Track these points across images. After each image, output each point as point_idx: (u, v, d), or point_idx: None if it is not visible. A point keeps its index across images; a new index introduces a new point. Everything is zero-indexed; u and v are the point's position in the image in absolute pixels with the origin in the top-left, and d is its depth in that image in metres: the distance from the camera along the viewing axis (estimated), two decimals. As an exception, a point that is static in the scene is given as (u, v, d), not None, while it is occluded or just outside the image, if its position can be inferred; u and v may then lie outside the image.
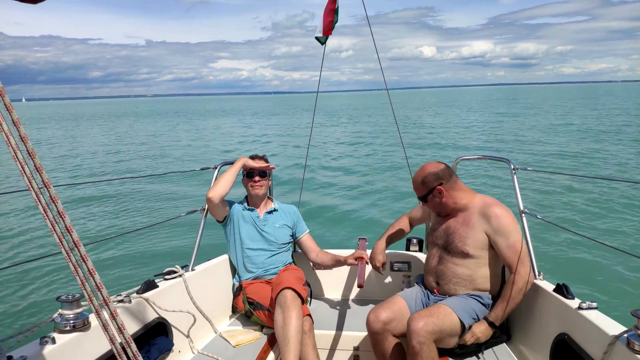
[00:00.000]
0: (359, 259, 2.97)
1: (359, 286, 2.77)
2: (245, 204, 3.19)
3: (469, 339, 2.38)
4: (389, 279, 3.38)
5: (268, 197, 3.29)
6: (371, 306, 3.24)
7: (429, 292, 2.66)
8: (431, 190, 2.55)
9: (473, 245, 2.46)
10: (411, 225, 3.16)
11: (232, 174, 2.97)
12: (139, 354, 1.17)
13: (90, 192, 13.01)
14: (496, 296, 2.57)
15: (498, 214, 2.43)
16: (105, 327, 1.14)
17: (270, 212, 3.20)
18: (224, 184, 2.93)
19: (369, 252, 3.06)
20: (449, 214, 2.61)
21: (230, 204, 3.14)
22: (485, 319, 2.44)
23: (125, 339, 1.15)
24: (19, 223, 10.07)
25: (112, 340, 1.14)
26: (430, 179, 2.55)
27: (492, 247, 2.47)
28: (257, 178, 3.09)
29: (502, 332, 2.64)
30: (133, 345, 1.16)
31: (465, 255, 2.47)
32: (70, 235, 1.08)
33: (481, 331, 2.41)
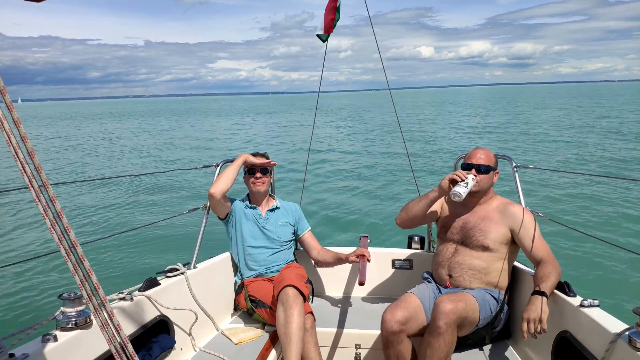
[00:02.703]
0: (361, 256, 2.96)
1: (360, 284, 2.77)
2: (247, 202, 3.19)
3: (534, 316, 2.09)
4: (390, 277, 3.37)
5: (270, 194, 3.29)
6: (373, 303, 3.24)
7: (439, 287, 2.67)
8: (495, 168, 2.68)
9: (493, 239, 2.53)
10: (428, 216, 2.83)
11: (233, 169, 2.98)
12: (135, 354, 1.17)
13: (91, 190, 13.02)
14: (505, 292, 2.59)
15: (520, 211, 2.58)
16: (104, 327, 1.14)
17: (272, 210, 3.20)
18: (225, 180, 2.94)
19: (370, 249, 3.07)
20: (477, 198, 2.66)
21: (232, 201, 3.14)
22: (537, 292, 2.19)
23: (121, 340, 1.15)
24: (14, 221, 10.09)
25: (111, 340, 1.14)
26: (496, 160, 2.73)
27: (511, 243, 2.56)
28: (258, 175, 3.09)
29: (504, 330, 2.64)
30: (129, 346, 1.16)
31: (485, 248, 2.53)
32: (68, 235, 1.08)
33: (544, 304, 2.13)
